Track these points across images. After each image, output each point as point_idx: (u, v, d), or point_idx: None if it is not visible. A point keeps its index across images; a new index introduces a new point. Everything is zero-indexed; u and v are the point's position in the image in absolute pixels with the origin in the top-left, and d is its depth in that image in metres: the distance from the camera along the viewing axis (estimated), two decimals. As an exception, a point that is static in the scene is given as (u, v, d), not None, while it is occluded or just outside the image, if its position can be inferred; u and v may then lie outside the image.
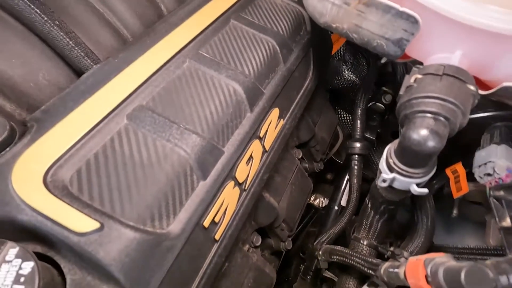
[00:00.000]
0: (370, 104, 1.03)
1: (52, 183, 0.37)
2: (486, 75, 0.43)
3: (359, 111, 0.83)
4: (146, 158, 0.42)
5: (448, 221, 0.98)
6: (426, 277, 0.35)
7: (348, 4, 0.43)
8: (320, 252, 0.67)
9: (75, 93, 0.46)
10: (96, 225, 0.35)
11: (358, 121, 0.83)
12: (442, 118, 0.37)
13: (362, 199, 0.80)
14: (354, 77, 1.21)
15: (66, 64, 0.55)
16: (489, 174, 0.59)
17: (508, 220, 0.37)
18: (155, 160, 0.42)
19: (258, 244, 0.68)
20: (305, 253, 0.99)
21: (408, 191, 0.48)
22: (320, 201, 1.31)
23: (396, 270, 0.43)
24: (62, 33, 0.51)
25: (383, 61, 1.03)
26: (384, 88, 1.04)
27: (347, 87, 1.24)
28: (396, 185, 0.45)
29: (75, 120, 0.43)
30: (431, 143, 0.37)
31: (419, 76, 0.40)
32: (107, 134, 0.43)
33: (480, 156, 0.64)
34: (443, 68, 0.39)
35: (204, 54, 0.56)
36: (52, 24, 0.50)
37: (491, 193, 0.41)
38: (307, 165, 0.91)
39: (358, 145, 0.81)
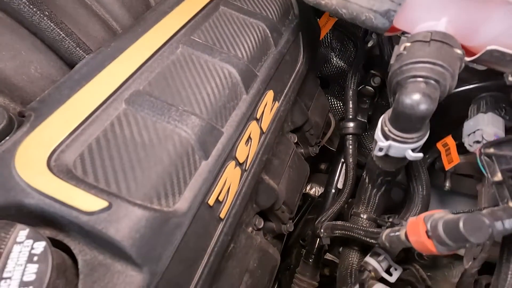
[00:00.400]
0: (360, 87, 1.05)
1: (56, 167, 0.37)
2: (472, 41, 0.45)
3: (350, 92, 0.85)
4: (148, 139, 0.42)
5: (441, 195, 1.01)
6: (427, 232, 0.37)
7: (336, -22, 0.44)
8: (322, 230, 0.68)
9: (70, 82, 0.46)
10: (104, 204, 0.35)
11: (350, 102, 0.84)
12: (432, 81, 0.39)
13: (358, 180, 0.82)
14: (343, 63, 1.23)
15: (57, 57, 0.55)
16: (478, 142, 0.62)
17: (499, 174, 0.40)
18: (156, 141, 0.43)
19: (261, 226, 0.69)
20: (305, 240, 1.01)
21: (404, 159, 0.50)
22: (316, 190, 1.33)
23: (397, 233, 0.45)
24: (52, 24, 0.51)
25: (370, 44, 1.05)
26: (372, 71, 1.06)
27: (336, 73, 1.26)
28: (392, 152, 0.47)
29: (73, 107, 0.43)
30: (423, 106, 0.39)
31: (408, 44, 0.42)
32: (106, 119, 0.43)
33: (468, 125, 0.66)
34: (431, 35, 0.41)
35: (197, 39, 0.57)
36: (42, 15, 0.50)
37: (482, 150, 0.43)
38: (302, 150, 0.93)
39: (351, 124, 0.83)
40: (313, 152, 0.93)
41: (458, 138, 0.77)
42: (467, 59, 0.46)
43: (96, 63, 0.49)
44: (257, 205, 0.68)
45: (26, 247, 0.31)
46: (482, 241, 0.32)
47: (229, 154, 0.50)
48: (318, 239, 0.97)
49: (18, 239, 0.31)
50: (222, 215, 0.49)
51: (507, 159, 0.39)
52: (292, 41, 0.72)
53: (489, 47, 0.43)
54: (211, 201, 0.46)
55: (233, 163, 0.51)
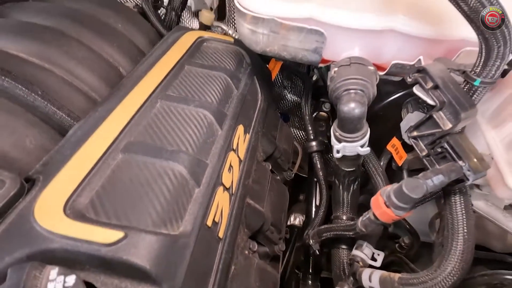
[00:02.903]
0: (315, 114, 1.21)
1: (72, 213, 0.42)
2: (380, 59, 0.60)
3: (307, 117, 0.99)
4: (147, 177, 0.49)
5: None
6: (385, 203, 0.47)
7: (275, 31, 0.59)
8: (310, 238, 0.75)
9: (68, 144, 0.53)
10: (121, 234, 0.41)
11: (309, 125, 0.98)
12: (359, 91, 0.52)
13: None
14: (296, 97, 1.41)
15: (50, 128, 0.62)
16: (413, 135, 0.76)
17: (424, 148, 0.52)
18: (155, 178, 0.50)
19: (255, 249, 0.74)
20: (300, 267, 1.05)
21: (358, 156, 0.61)
22: (299, 220, 1.40)
23: (367, 215, 0.54)
24: (44, 101, 0.59)
25: (314, 78, 1.25)
26: (322, 99, 1.24)
27: (293, 107, 1.44)
28: (347, 152, 0.58)
29: (76, 163, 0.50)
30: (357, 110, 0.52)
31: (336, 68, 0.56)
32: (108, 168, 0.50)
33: (403, 125, 0.81)
34: (350, 59, 0.56)
35: (172, 94, 0.68)
36: (35, 95, 0.58)
37: (409, 135, 0.57)
38: (278, 177, 1.02)
39: (314, 143, 0.95)
40: (288, 176, 1.03)
41: (401, 137, 0.93)
42: (381, 73, 0.61)
43: (88, 125, 0.57)
44: (248, 228, 0.74)
45: (59, 283, 0.35)
46: (421, 195, 0.43)
47: (217, 181, 0.58)
48: (311, 259, 1.03)
49: (50, 277, 0.36)
50: (220, 235, 0.55)
51: (425, 136, 0.52)
52: (250, 83, 0.86)
53: (393, 62, 0.59)
54: (209, 222, 0.52)
55: (221, 188, 0.58)
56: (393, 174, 1.02)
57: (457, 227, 0.47)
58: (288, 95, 1.43)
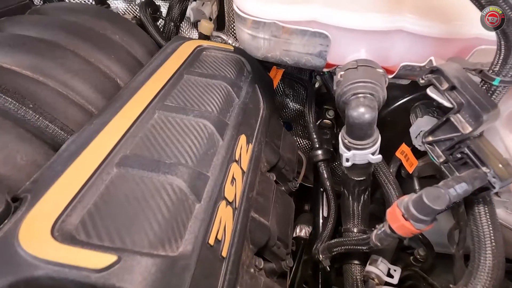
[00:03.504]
0: (319, 121, 1.17)
1: (60, 236, 0.39)
2: (388, 62, 0.57)
3: (311, 125, 0.96)
4: (143, 193, 0.46)
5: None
6: (403, 215, 0.43)
7: (276, 36, 0.56)
8: (320, 253, 0.71)
9: (60, 160, 0.50)
10: (113, 258, 0.37)
11: (313, 133, 0.94)
12: (368, 95, 0.49)
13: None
14: (298, 106, 1.38)
15: (42, 143, 0.59)
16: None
17: (442, 155, 0.48)
18: (152, 193, 0.46)
19: (261, 266, 0.70)
20: (308, 282, 1.00)
21: (369, 165, 0.57)
22: (305, 231, 1.34)
23: (382, 229, 0.50)
24: (36, 114, 0.56)
25: (317, 85, 1.22)
26: (325, 106, 1.21)
27: (295, 115, 1.41)
28: (357, 160, 0.55)
29: (67, 180, 0.46)
30: (368, 115, 0.48)
31: (342, 72, 0.53)
32: (101, 184, 0.46)
33: (413, 130, 0.77)
34: (356, 62, 0.52)
35: (170, 104, 0.65)
36: (27, 109, 0.55)
37: (424, 140, 0.53)
38: (283, 187, 0.98)
39: (319, 152, 0.91)
40: (293, 187, 0.99)
41: (410, 144, 0.89)
42: (390, 76, 0.58)
43: (82, 139, 0.54)
44: (253, 244, 0.69)
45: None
46: (444, 207, 0.39)
47: (219, 195, 0.54)
48: (320, 274, 0.97)
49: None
50: (224, 254, 0.51)
51: (442, 141, 0.48)
52: (251, 92, 0.83)
53: (402, 64, 0.56)
54: (211, 241, 0.48)
55: (224, 202, 0.54)
56: (402, 181, 0.98)
57: (484, 240, 0.42)
58: (290, 104, 1.40)
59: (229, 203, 0.56)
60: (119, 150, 0.52)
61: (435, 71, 0.47)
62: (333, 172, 1.27)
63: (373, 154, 0.53)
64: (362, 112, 0.48)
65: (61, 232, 0.39)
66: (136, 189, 0.46)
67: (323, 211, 1.05)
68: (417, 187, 0.98)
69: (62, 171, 0.47)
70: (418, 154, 0.88)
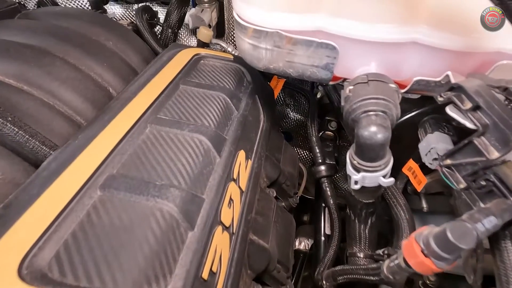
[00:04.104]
0: (321, 133, 1.13)
1: (29, 274, 0.33)
2: (400, 76, 0.53)
3: (314, 139, 0.91)
4: (129, 222, 0.41)
5: (422, 218, 1.04)
6: (422, 251, 0.38)
7: (279, 46, 0.52)
8: (324, 280, 0.65)
9: (38, 180, 0.45)
10: (89, 303, 0.32)
11: (316, 147, 0.90)
12: (381, 113, 0.45)
13: (343, 221, 0.82)
14: (299, 116, 1.34)
15: (21, 159, 0.54)
16: (435, 159, 0.68)
17: (462, 181, 0.43)
18: (138, 222, 0.41)
19: (260, 293, 0.64)
20: None
21: (379, 187, 0.52)
22: (305, 244, 1.29)
23: (396, 261, 0.45)
24: (15, 128, 0.51)
25: (319, 95, 1.18)
26: (327, 118, 1.16)
27: (296, 126, 1.36)
28: (366, 183, 0.50)
29: (43, 205, 0.41)
30: (380, 135, 0.44)
31: (351, 87, 0.49)
32: (82, 210, 0.41)
33: (422, 146, 0.73)
34: (367, 76, 0.48)
35: (163, 117, 0.60)
36: (4, 121, 0.50)
37: (441, 163, 0.48)
38: (283, 203, 0.93)
39: (323, 167, 0.86)
40: (293, 203, 0.94)
41: (418, 160, 0.84)
42: (402, 91, 0.53)
43: (65, 156, 0.49)
44: (252, 270, 0.64)
45: None
46: (473, 245, 0.34)
47: (215, 219, 0.49)
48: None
49: None
50: (219, 287, 0.45)
51: (463, 166, 0.44)
52: (251, 103, 0.78)
53: (415, 78, 0.51)
54: (205, 274, 0.43)
55: (220, 228, 0.49)
56: (407, 197, 0.93)
57: (512, 280, 0.37)
58: (291, 113, 1.36)
59: (225, 228, 0.51)
60: (104, 170, 0.47)
61: (456, 88, 0.43)
62: (335, 185, 1.22)
63: (384, 176, 0.49)
64: (373, 131, 0.44)
65: (31, 269, 0.34)
66: (121, 216, 0.41)
67: (325, 228, 1.00)
68: (424, 205, 0.93)
69: (38, 194, 0.42)
70: (425, 169, 0.83)
